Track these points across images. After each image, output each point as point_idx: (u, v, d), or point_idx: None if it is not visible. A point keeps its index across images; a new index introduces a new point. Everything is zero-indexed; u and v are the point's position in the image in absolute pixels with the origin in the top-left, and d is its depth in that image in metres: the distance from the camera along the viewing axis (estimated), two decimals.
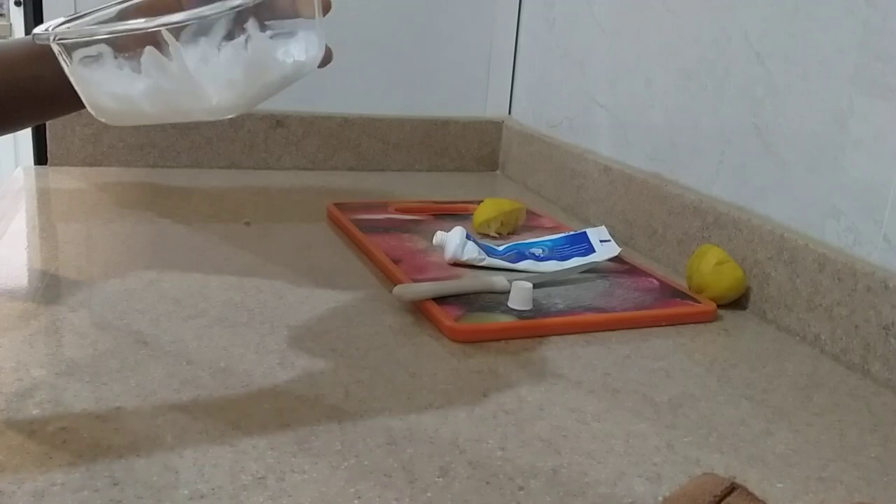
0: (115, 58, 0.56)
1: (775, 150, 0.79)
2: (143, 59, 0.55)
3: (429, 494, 0.46)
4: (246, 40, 0.56)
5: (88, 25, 0.62)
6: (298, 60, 0.62)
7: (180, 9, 0.62)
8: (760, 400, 0.61)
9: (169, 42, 0.53)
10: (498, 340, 0.67)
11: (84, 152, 1.14)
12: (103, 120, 0.60)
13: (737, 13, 0.83)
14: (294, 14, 0.62)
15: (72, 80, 0.58)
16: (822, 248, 0.71)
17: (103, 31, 0.57)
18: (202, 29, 0.54)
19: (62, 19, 0.61)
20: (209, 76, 0.55)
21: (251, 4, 0.53)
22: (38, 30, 0.57)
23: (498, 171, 1.35)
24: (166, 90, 0.56)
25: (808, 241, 0.73)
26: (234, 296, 0.72)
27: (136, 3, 0.65)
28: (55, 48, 0.56)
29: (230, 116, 0.58)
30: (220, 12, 0.53)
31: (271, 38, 0.58)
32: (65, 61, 0.57)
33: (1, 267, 0.75)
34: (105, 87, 0.58)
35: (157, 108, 0.57)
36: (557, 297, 0.75)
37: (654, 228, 0.93)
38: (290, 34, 0.61)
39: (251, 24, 0.56)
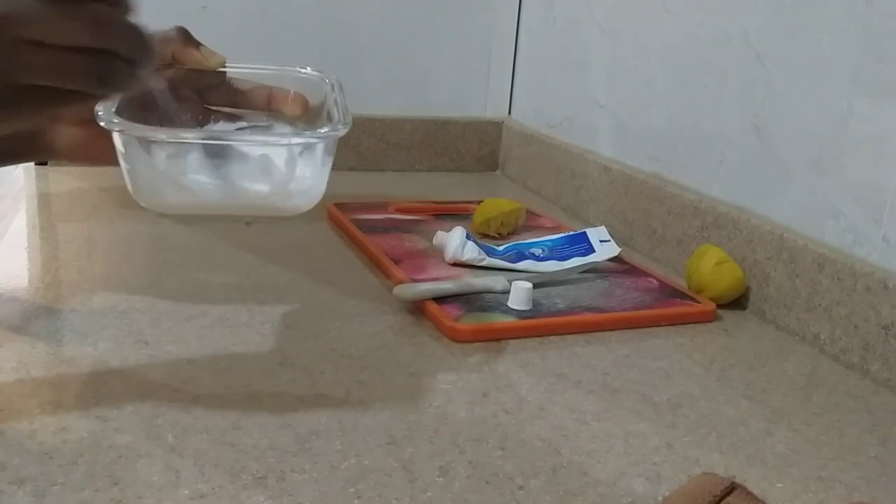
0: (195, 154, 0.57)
1: (775, 150, 0.79)
2: (251, 164, 0.57)
3: (429, 494, 0.46)
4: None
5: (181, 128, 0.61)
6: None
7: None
8: (760, 400, 0.61)
9: (289, 152, 0.57)
10: (498, 340, 0.67)
11: None
12: (148, 206, 0.58)
13: (737, 13, 0.83)
14: None
15: (126, 166, 0.55)
16: (821, 248, 0.71)
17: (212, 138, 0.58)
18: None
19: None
20: (305, 186, 0.59)
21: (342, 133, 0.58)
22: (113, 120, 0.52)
23: (498, 171, 1.35)
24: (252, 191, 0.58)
25: (807, 241, 0.73)
26: (234, 296, 0.72)
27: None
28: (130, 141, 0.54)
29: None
30: (324, 137, 0.59)
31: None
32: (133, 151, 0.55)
33: (1, 267, 0.75)
34: (178, 178, 0.57)
35: (229, 203, 0.58)
36: (557, 297, 0.75)
37: (654, 228, 0.93)
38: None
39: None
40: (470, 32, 1.31)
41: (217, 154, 0.57)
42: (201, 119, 0.64)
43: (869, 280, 0.66)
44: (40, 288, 0.71)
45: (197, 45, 0.63)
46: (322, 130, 0.59)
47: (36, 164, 1.13)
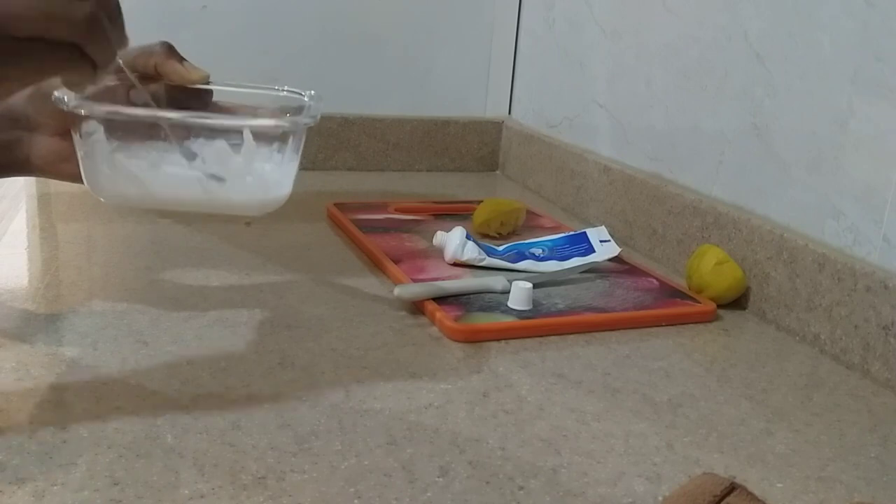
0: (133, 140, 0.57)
1: (775, 150, 0.79)
2: (207, 149, 0.57)
3: (429, 494, 0.46)
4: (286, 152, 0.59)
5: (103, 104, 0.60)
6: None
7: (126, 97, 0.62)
8: (760, 400, 0.61)
9: (246, 141, 0.57)
10: (498, 340, 0.67)
11: None
12: (101, 198, 0.59)
13: (737, 13, 0.83)
14: None
15: (80, 152, 0.57)
16: (821, 248, 0.71)
17: (163, 116, 0.57)
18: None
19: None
20: (269, 177, 0.59)
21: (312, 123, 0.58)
22: (69, 98, 0.54)
23: (498, 171, 1.35)
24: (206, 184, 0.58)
25: (807, 241, 0.73)
26: (234, 296, 0.72)
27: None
28: (85, 119, 0.55)
29: (266, 212, 0.61)
30: (298, 126, 0.58)
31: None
32: (77, 132, 0.56)
33: (1, 267, 0.75)
34: (123, 168, 0.57)
35: (186, 195, 0.58)
36: (557, 297, 0.75)
37: (654, 228, 0.93)
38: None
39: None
40: (470, 32, 1.31)
41: (177, 140, 0.57)
42: (189, 135, 0.64)
43: (869, 280, 0.66)
44: (40, 288, 0.71)
45: (180, 59, 0.63)
46: (284, 121, 0.59)
47: None
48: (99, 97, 0.59)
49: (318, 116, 0.59)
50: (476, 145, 1.33)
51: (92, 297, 0.69)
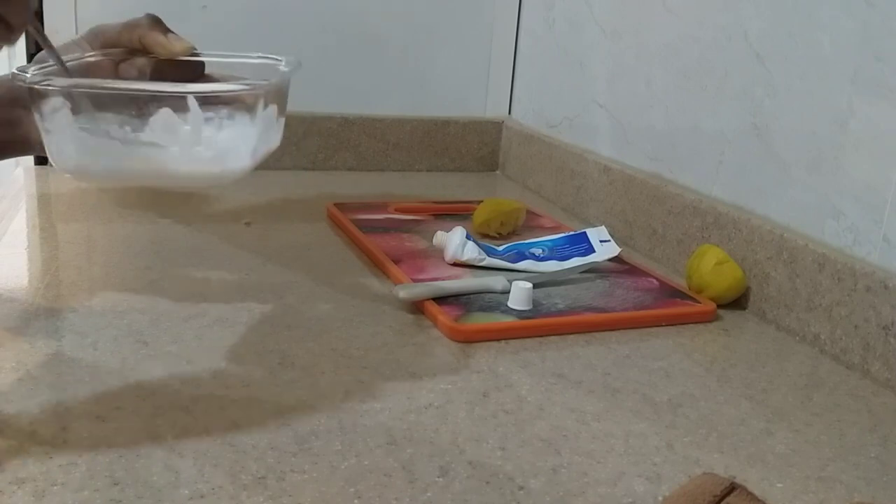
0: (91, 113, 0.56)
1: (775, 150, 0.79)
2: (153, 119, 0.55)
3: (429, 494, 0.46)
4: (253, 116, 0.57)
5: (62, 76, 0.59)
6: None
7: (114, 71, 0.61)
8: (760, 400, 0.61)
9: (192, 108, 0.54)
10: (498, 340, 0.67)
11: None
12: (68, 175, 0.58)
13: (737, 13, 0.83)
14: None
15: (40, 125, 0.56)
16: (821, 248, 0.71)
17: (108, 86, 0.56)
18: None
19: (34, 66, 0.58)
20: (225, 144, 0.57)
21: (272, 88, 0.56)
22: (18, 70, 0.54)
23: (498, 171, 1.35)
24: (161, 153, 0.56)
25: (807, 241, 0.73)
26: (234, 296, 0.72)
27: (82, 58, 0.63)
28: (39, 92, 0.54)
29: (223, 184, 0.59)
30: (249, 89, 0.55)
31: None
32: (38, 110, 0.55)
33: (1, 267, 0.75)
34: (86, 141, 0.56)
35: (140, 168, 0.57)
36: (557, 297, 0.75)
37: (654, 228, 0.93)
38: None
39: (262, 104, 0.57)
40: (470, 32, 1.31)
41: (130, 111, 0.56)
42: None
43: (869, 280, 0.66)
44: (40, 288, 0.71)
45: (165, 30, 0.62)
46: (231, 85, 0.57)
47: (35, 164, 1.13)
48: (83, 72, 0.59)
49: (281, 81, 0.57)
50: (476, 145, 1.33)
51: (92, 297, 0.69)
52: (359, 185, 1.18)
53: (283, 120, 0.64)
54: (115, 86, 0.57)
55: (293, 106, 1.26)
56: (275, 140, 0.64)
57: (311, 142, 1.24)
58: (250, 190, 1.09)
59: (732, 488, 0.36)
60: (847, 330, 0.68)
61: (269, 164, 1.22)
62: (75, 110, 0.55)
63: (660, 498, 0.47)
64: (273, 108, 0.60)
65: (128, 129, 0.56)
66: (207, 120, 0.57)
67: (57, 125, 0.55)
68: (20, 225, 0.88)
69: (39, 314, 0.65)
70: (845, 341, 0.68)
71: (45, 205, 0.97)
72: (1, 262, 0.76)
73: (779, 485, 0.50)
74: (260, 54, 0.66)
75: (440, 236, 0.85)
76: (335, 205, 0.99)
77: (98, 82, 0.57)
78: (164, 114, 0.55)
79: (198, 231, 0.90)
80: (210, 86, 0.57)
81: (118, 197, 1.01)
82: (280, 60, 0.66)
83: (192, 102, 0.55)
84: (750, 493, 0.36)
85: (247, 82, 0.56)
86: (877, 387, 0.64)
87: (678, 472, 0.50)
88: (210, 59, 0.64)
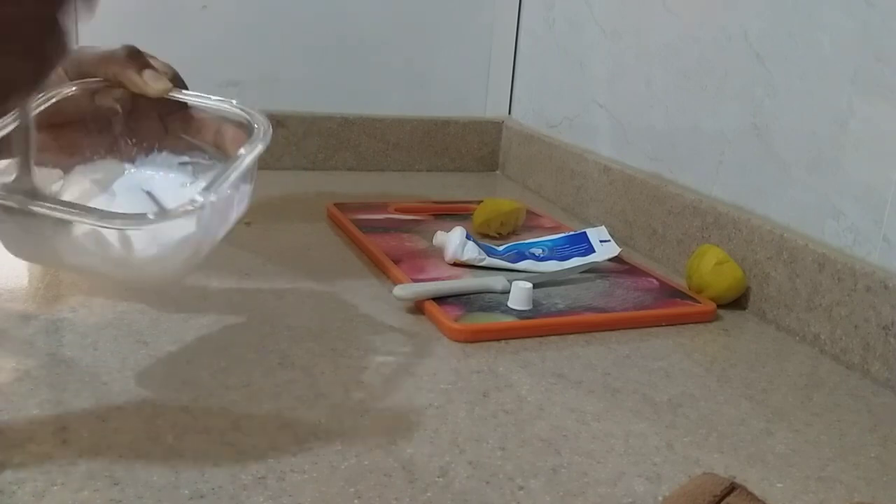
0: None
1: (775, 150, 0.79)
2: (80, 238, 0.48)
3: (429, 494, 0.46)
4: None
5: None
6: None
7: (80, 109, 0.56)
8: (760, 400, 0.61)
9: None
10: (498, 340, 0.67)
11: None
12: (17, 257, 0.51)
13: (737, 13, 0.83)
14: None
15: None
16: (821, 248, 0.71)
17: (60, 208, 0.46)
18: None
19: None
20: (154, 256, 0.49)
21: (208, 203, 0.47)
22: None
23: (498, 171, 1.35)
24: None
25: (807, 241, 0.73)
26: (234, 296, 0.72)
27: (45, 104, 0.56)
28: None
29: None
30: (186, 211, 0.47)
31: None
32: None
33: (1, 267, 0.75)
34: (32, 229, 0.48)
35: (78, 262, 0.50)
36: (557, 297, 0.75)
37: (654, 228, 0.93)
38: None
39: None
40: (470, 32, 1.31)
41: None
42: (155, 145, 0.60)
43: (869, 280, 0.66)
44: (40, 288, 0.71)
45: (142, 66, 0.57)
46: (149, 214, 0.46)
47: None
48: (60, 106, 0.54)
49: (240, 173, 0.49)
50: (476, 145, 1.33)
51: (92, 298, 0.69)
52: (359, 185, 1.18)
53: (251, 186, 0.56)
54: (65, 216, 0.47)
55: (293, 106, 1.27)
56: (240, 209, 0.56)
57: (311, 142, 1.24)
58: None
59: (732, 488, 0.36)
60: (847, 330, 0.68)
61: (269, 164, 1.23)
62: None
63: (660, 498, 0.47)
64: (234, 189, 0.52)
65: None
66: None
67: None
68: None
69: (39, 314, 0.65)
70: (845, 341, 0.68)
71: None
72: (1, 263, 0.76)
73: (779, 485, 0.50)
74: (236, 104, 0.58)
75: (440, 236, 0.85)
76: (335, 205, 0.99)
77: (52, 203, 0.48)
78: (91, 233, 0.48)
79: None
80: (108, 220, 0.46)
81: None
82: (252, 114, 0.57)
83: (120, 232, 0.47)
84: (750, 494, 0.36)
85: (192, 202, 0.47)
86: (877, 387, 0.64)
87: (678, 472, 0.50)
88: (187, 100, 0.59)
